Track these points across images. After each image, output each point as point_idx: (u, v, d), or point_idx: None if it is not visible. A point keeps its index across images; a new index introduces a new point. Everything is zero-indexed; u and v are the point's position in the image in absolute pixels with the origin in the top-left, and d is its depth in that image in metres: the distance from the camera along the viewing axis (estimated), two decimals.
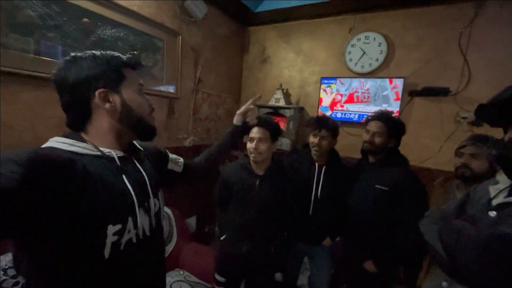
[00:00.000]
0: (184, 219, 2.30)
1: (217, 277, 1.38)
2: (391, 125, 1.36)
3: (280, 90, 2.55)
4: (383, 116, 1.39)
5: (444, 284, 0.83)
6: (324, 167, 1.49)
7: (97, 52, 0.64)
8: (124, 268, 0.63)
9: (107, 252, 0.57)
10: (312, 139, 1.46)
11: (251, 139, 1.28)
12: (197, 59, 2.28)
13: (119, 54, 0.67)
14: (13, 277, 1.11)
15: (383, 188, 1.32)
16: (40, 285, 0.56)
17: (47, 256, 0.53)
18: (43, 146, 0.58)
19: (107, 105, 0.63)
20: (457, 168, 1.22)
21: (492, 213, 0.71)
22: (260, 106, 2.62)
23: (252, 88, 2.97)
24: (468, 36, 1.91)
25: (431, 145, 2.06)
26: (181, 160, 0.98)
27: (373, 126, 1.39)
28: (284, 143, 2.50)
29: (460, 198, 0.89)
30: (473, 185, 1.16)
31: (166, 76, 1.99)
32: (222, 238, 1.38)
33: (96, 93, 0.61)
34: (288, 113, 2.48)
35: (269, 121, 1.30)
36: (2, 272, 1.10)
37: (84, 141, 0.61)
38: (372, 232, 1.38)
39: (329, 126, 1.43)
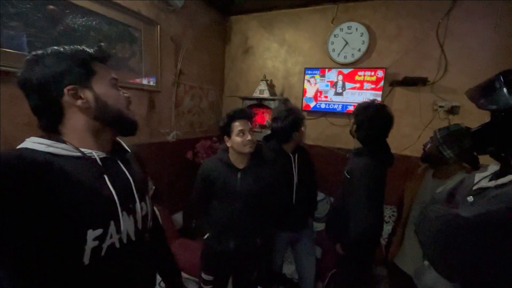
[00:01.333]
0: (170, 215, 2.26)
1: (204, 276, 1.35)
2: (356, 117, 1.38)
3: (264, 81, 2.52)
4: (355, 107, 1.43)
5: (426, 263, 0.88)
6: (296, 154, 1.55)
7: (60, 48, 0.60)
8: (106, 274, 0.60)
9: (86, 258, 0.54)
10: (300, 134, 1.52)
11: (242, 132, 1.22)
12: (177, 50, 2.18)
13: (84, 47, 0.63)
14: None
15: (347, 176, 1.38)
16: None
17: (22, 263, 0.49)
18: (19, 146, 0.54)
19: (79, 102, 0.59)
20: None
21: (470, 198, 0.74)
22: (244, 98, 2.58)
23: (235, 80, 2.91)
24: (445, 27, 1.96)
25: (411, 134, 2.14)
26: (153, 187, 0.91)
27: None
28: None
29: (454, 184, 0.92)
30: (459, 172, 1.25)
31: (145, 68, 1.89)
32: (205, 237, 1.34)
33: (65, 90, 0.57)
34: (272, 104, 2.47)
35: (251, 113, 1.30)
36: None
37: (63, 141, 0.58)
38: (341, 215, 1.45)
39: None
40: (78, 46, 0.62)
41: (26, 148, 0.53)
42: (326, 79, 2.44)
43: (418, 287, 0.96)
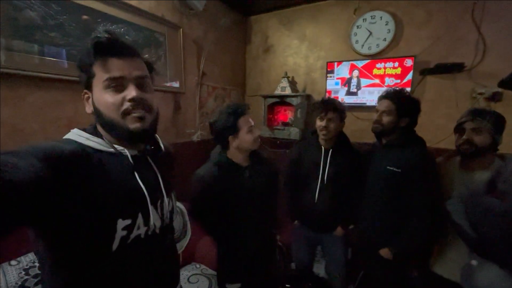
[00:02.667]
0: None
1: (230, 286, 1.25)
2: (401, 104, 1.29)
3: (285, 78, 2.50)
4: (391, 94, 1.32)
5: (474, 262, 0.79)
6: (330, 150, 1.45)
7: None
8: (130, 262, 0.63)
9: (115, 246, 0.58)
10: (319, 123, 1.42)
11: (252, 129, 1.16)
12: (199, 52, 2.25)
13: (95, 37, 0.57)
14: (34, 276, 1.14)
15: (394, 169, 1.27)
16: (52, 268, 0.58)
17: (58, 243, 0.54)
18: (64, 137, 0.59)
19: (86, 107, 0.62)
20: (459, 145, 1.18)
21: None
22: (266, 96, 2.58)
23: (257, 79, 2.92)
24: (482, 8, 1.80)
25: (446, 125, 1.98)
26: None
27: (381, 105, 1.33)
28: (293, 132, 2.46)
29: (490, 174, 0.84)
30: (477, 159, 1.12)
31: (170, 71, 1.97)
32: (221, 252, 1.26)
33: (82, 94, 0.62)
34: (295, 101, 2.43)
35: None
36: (23, 272, 1.12)
37: (100, 136, 0.62)
38: (385, 216, 1.34)
39: (335, 107, 1.39)
40: (93, 38, 0.57)
41: (69, 140, 0.58)
42: (336, 75, 2.32)
43: None
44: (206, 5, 2.12)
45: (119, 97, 0.58)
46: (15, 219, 0.42)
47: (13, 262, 1.14)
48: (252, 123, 1.17)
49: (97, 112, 0.60)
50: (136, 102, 0.59)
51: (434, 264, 1.28)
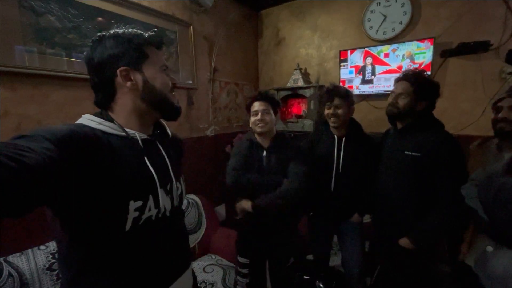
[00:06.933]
0: (213, 207, 2.36)
1: (240, 259, 1.40)
2: (419, 86, 1.22)
3: (297, 70, 2.46)
4: (409, 76, 1.25)
5: (489, 248, 0.73)
6: (344, 139, 1.42)
7: (120, 31, 0.65)
8: (141, 242, 0.65)
9: (128, 226, 0.60)
10: (327, 111, 1.42)
11: (255, 113, 1.33)
12: (211, 48, 2.28)
13: (141, 32, 0.67)
14: None
15: (413, 154, 1.20)
16: (68, 247, 0.60)
17: (74, 223, 0.56)
18: (76, 122, 0.61)
19: (129, 84, 0.64)
20: (495, 124, 1.08)
21: None
22: (278, 89, 2.56)
23: (269, 73, 2.91)
24: None
25: (472, 109, 1.84)
26: None
27: (398, 87, 1.27)
28: (306, 124, 2.42)
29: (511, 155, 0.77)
30: None
31: (182, 67, 2.03)
32: (238, 217, 1.40)
33: (118, 71, 0.63)
34: (307, 92, 2.39)
35: (269, 95, 1.38)
36: (51, 256, 1.22)
37: (111, 120, 0.64)
38: (403, 204, 1.27)
39: (340, 93, 1.39)
40: (136, 30, 0.67)
41: (81, 124, 0.60)
42: (350, 63, 2.24)
43: (481, 276, 0.81)
44: (216, 2, 2.15)
45: (168, 78, 0.71)
46: (32, 200, 0.43)
47: (42, 247, 1.24)
48: (259, 108, 1.33)
49: (149, 87, 0.66)
50: (176, 85, 0.74)
51: (466, 255, 1.19)
